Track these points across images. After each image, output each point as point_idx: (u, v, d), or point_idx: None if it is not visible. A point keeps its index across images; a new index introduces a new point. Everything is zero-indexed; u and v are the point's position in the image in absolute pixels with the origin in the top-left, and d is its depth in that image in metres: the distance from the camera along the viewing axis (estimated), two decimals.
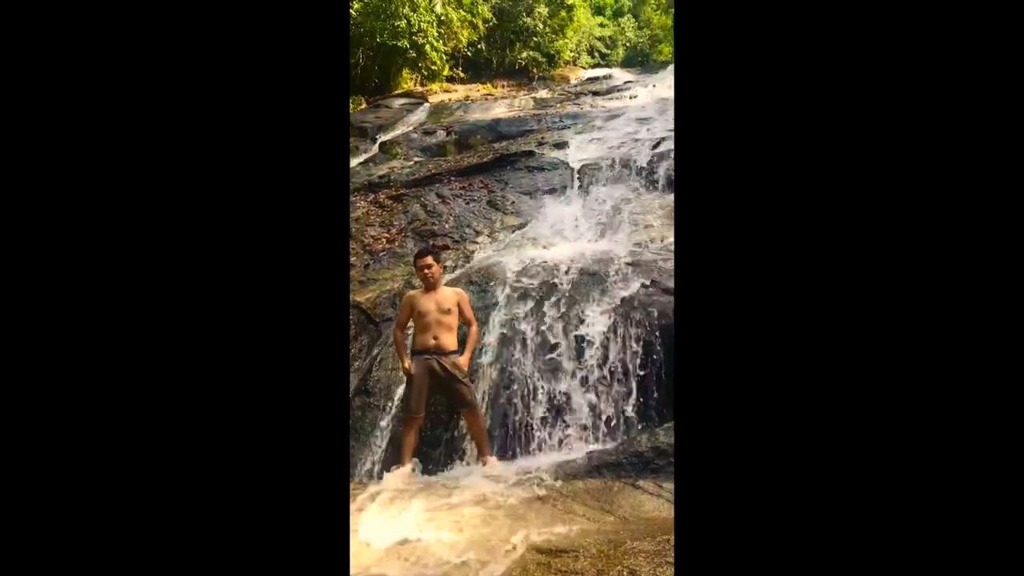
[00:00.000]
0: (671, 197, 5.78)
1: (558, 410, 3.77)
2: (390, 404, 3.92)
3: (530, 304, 4.38)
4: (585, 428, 3.70)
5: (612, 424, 3.71)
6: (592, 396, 3.79)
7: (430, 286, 3.87)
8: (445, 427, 3.83)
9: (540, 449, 3.64)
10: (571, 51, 18.06)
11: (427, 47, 13.01)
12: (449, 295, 3.87)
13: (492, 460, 3.55)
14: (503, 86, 15.17)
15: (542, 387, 3.85)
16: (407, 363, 3.73)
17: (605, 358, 3.92)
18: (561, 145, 7.78)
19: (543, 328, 4.18)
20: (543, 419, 3.74)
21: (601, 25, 21.07)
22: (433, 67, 13.96)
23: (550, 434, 3.70)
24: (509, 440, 3.71)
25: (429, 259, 3.88)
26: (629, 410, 3.74)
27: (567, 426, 3.72)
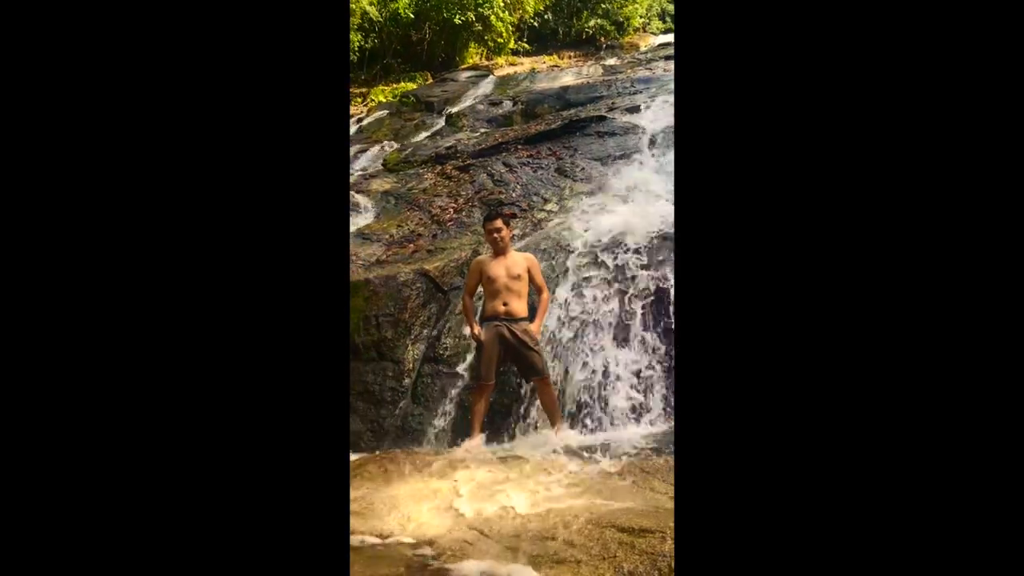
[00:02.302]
0: None
1: (636, 380, 3.53)
2: (459, 372, 3.80)
3: (603, 271, 4.15)
4: (665, 399, 3.46)
5: None
6: (671, 365, 3.53)
7: (499, 251, 3.71)
8: (515, 396, 3.67)
9: (617, 421, 3.43)
10: (641, 17, 17.25)
11: (492, 18, 12.74)
12: (519, 260, 3.71)
13: (565, 430, 3.38)
14: (570, 56, 14.72)
15: (618, 356, 3.62)
16: (476, 329, 3.60)
17: None
18: (633, 109, 7.42)
19: (617, 295, 3.94)
20: (619, 389, 3.52)
21: None
22: (499, 39, 13.70)
23: (627, 405, 3.47)
24: (583, 410, 3.51)
25: (499, 222, 3.72)
26: None
27: (645, 397, 3.48)
